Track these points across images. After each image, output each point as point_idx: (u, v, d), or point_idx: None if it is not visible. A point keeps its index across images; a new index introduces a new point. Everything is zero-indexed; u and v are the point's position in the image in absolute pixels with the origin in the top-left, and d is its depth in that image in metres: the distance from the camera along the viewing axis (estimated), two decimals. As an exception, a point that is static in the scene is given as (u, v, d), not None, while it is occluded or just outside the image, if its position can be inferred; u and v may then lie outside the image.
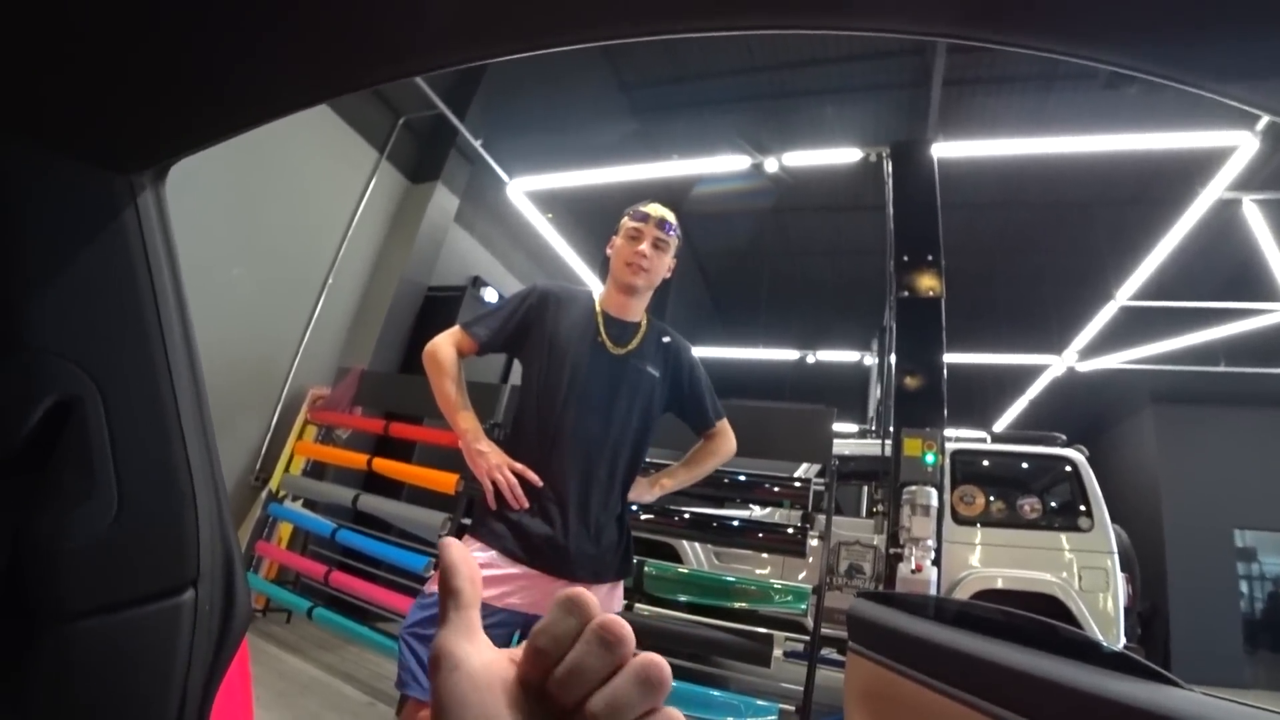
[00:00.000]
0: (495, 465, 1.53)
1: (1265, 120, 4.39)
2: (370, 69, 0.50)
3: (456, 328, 1.67)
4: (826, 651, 3.60)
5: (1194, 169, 5.06)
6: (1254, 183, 4.98)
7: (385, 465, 4.03)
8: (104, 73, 0.48)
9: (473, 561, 0.36)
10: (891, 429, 4.37)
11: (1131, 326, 7.54)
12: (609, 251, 1.73)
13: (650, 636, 3.42)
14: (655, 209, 1.70)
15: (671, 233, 1.69)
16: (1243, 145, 4.51)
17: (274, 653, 3.74)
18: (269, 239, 4.77)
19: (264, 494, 4.48)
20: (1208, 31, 0.32)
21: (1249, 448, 9.18)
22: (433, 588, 1.47)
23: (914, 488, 3.73)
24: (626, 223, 1.70)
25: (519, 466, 1.54)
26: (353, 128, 5.41)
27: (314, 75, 0.51)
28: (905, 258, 4.67)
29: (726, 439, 1.84)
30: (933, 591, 3.45)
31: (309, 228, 5.16)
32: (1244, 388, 8.50)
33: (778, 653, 3.07)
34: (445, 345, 1.64)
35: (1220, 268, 6.38)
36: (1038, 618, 1.38)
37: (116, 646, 0.50)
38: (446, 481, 3.66)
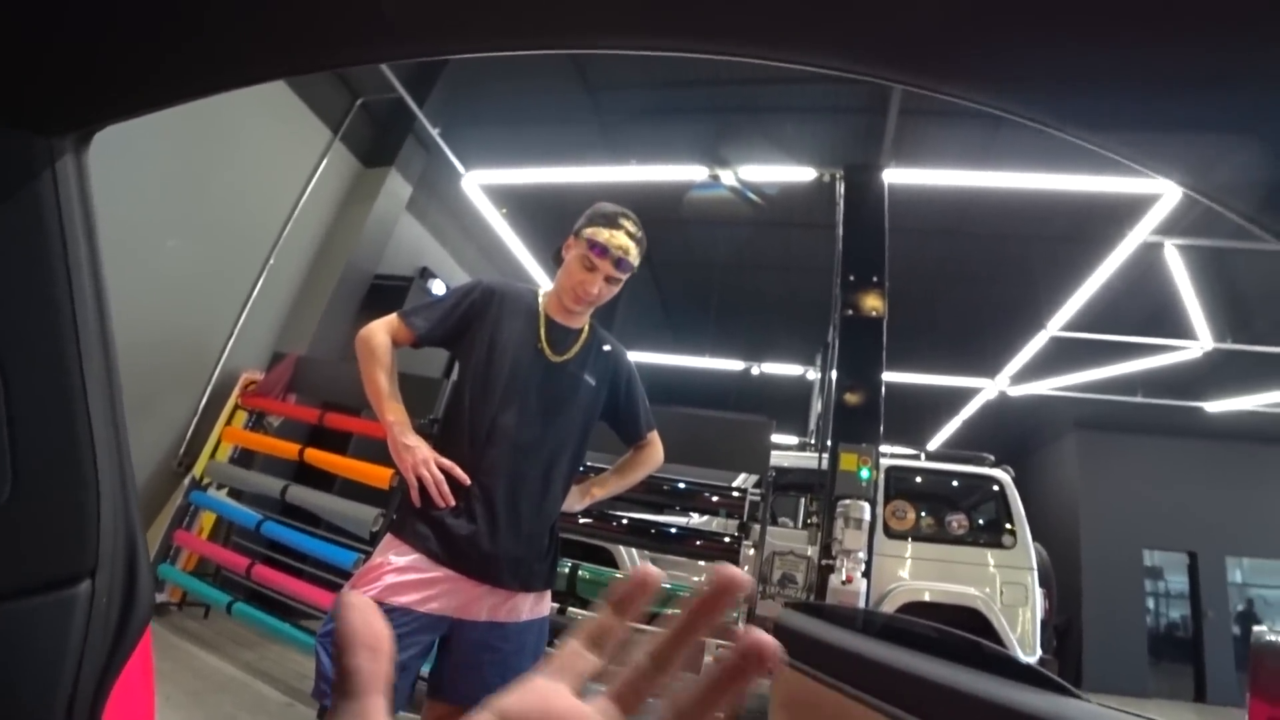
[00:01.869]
0: (421, 460, 1.46)
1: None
2: (326, 51, 0.48)
3: (394, 316, 1.61)
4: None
5: (1123, 212, 5.37)
6: (1176, 229, 5.32)
7: (318, 456, 3.89)
8: (26, 22, 0.45)
9: (379, 627, 0.28)
10: (829, 443, 4.48)
11: (1060, 356, 7.94)
12: (564, 253, 1.67)
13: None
14: (618, 242, 1.59)
15: (626, 269, 1.63)
16: (1167, 193, 4.80)
17: (189, 649, 3.57)
18: (210, 211, 4.54)
19: (186, 480, 4.26)
20: (1081, 84, 0.37)
21: (1160, 473, 9.88)
22: (356, 590, 1.41)
23: (848, 501, 3.83)
24: (585, 243, 1.60)
25: (446, 463, 1.47)
26: (307, 105, 5.22)
27: (261, 52, 0.48)
28: (851, 277, 4.80)
29: (656, 449, 1.85)
30: (861, 603, 3.53)
31: (253, 203, 4.95)
32: (1158, 418, 9.10)
33: (708, 659, 3.09)
34: (380, 332, 1.57)
35: (1142, 305, 6.77)
36: (958, 633, 1.43)
37: (1, 638, 0.47)
38: (381, 476, 3.56)
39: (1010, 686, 1.07)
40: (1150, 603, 9.98)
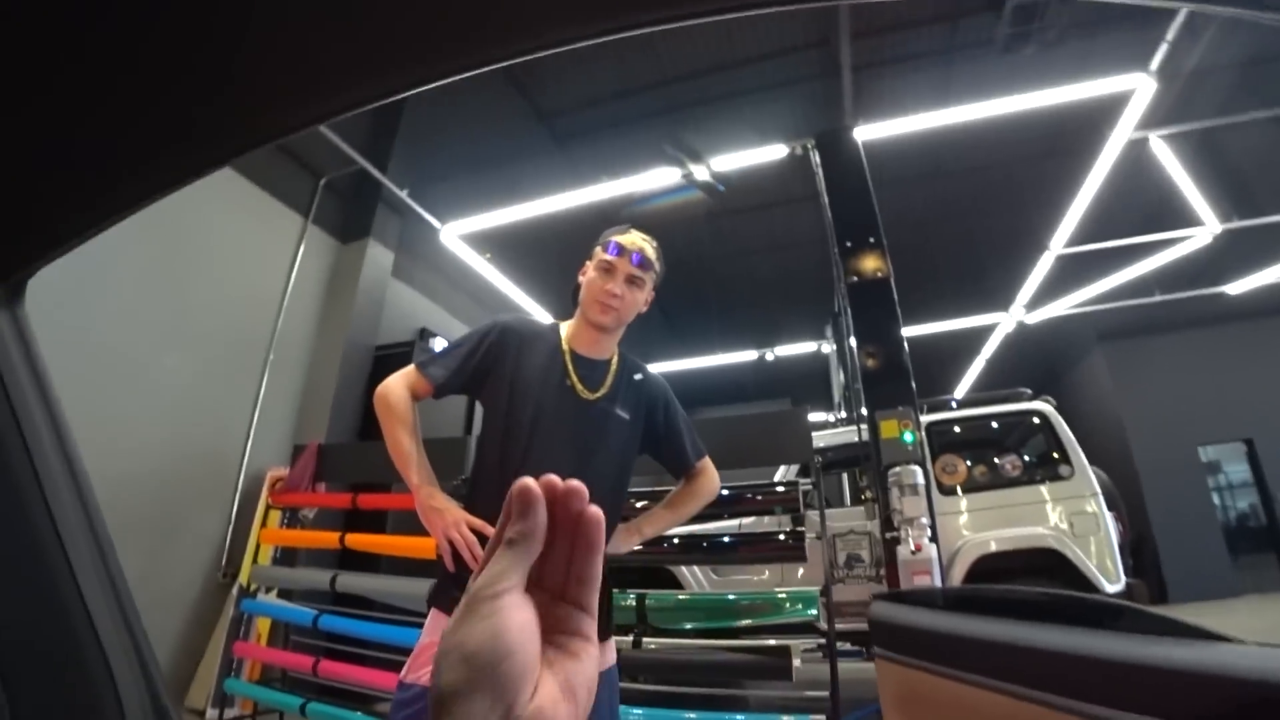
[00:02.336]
0: (452, 523, 1.37)
1: (1158, 58, 4.60)
2: (242, 135, 0.43)
3: (411, 368, 1.52)
4: (841, 645, 3.55)
5: (1099, 116, 5.28)
6: (1156, 120, 5.22)
7: (359, 540, 3.83)
8: None
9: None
10: (865, 413, 4.38)
11: (1069, 273, 7.83)
12: (580, 279, 1.60)
13: (663, 670, 3.30)
14: (631, 240, 1.57)
15: (648, 266, 1.57)
16: (1140, 86, 4.71)
17: (270, 761, 3.50)
18: (200, 322, 4.54)
19: (234, 590, 4.22)
20: None
21: (1196, 367, 9.66)
22: (411, 676, 1.31)
23: (898, 469, 3.72)
24: (600, 254, 1.56)
25: (479, 523, 1.38)
26: (272, 195, 5.23)
27: (174, 157, 0.43)
28: (848, 243, 4.72)
29: (709, 478, 1.73)
30: (936, 568, 3.43)
31: (241, 304, 4.94)
32: (1181, 313, 8.90)
33: (795, 662, 2.99)
34: (398, 388, 1.48)
35: (1141, 204, 6.66)
36: (1063, 592, 1.34)
37: None
38: (425, 547, 3.49)
39: (1144, 641, 0.98)
40: (1217, 499, 9.74)
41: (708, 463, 1.74)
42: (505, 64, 0.40)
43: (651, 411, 1.65)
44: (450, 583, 1.39)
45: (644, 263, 1.56)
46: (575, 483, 0.41)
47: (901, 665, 1.45)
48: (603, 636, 1.50)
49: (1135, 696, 0.88)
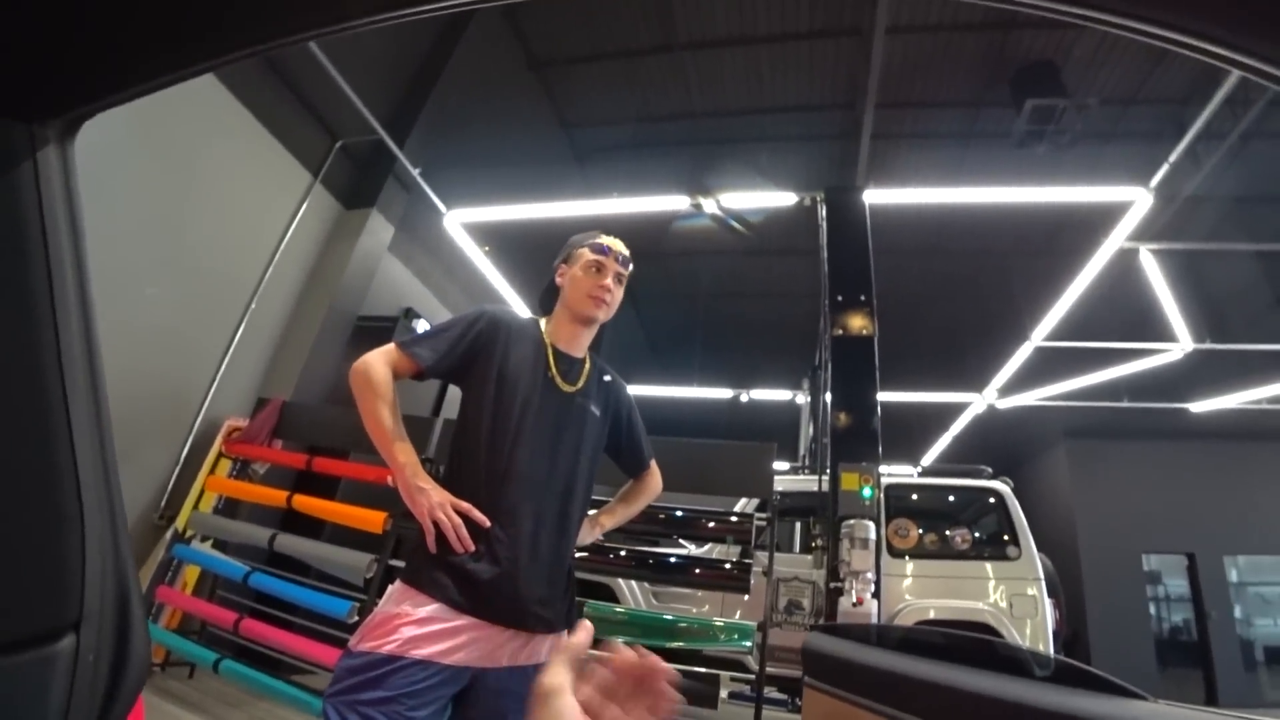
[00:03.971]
0: (438, 504, 1.37)
1: (1159, 176, 4.82)
2: (303, 17, 0.45)
3: (392, 346, 1.51)
4: (767, 691, 3.54)
5: (1097, 221, 5.49)
6: (1149, 234, 5.43)
7: (306, 503, 3.77)
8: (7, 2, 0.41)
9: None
10: (829, 464, 4.43)
11: (1045, 366, 8.04)
12: (559, 280, 1.67)
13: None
14: (615, 242, 1.66)
15: (628, 267, 1.68)
16: (1138, 200, 4.91)
17: (174, 712, 3.38)
18: (189, 258, 4.47)
19: (169, 534, 4.10)
20: None
21: (1152, 477, 9.94)
22: (366, 644, 1.29)
23: (852, 521, 3.76)
24: (586, 254, 1.64)
25: (464, 505, 1.39)
26: (287, 148, 5.22)
27: (240, 23, 0.45)
28: (839, 298, 4.82)
29: (657, 478, 1.86)
30: (874, 623, 3.45)
31: (234, 249, 4.89)
32: (1145, 422, 9.19)
33: (723, 694, 2.98)
34: (379, 365, 1.47)
35: (1123, 311, 6.88)
36: (986, 638, 1.38)
37: None
38: (374, 520, 3.46)
39: (1062, 691, 1.02)
40: (1153, 608, 9.94)
41: (655, 465, 1.86)
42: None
43: (617, 411, 1.73)
44: (429, 563, 1.38)
45: (627, 263, 1.67)
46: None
47: (830, 696, 1.47)
48: (565, 625, 1.50)
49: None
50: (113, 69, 0.46)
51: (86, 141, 0.49)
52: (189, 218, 4.44)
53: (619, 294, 1.66)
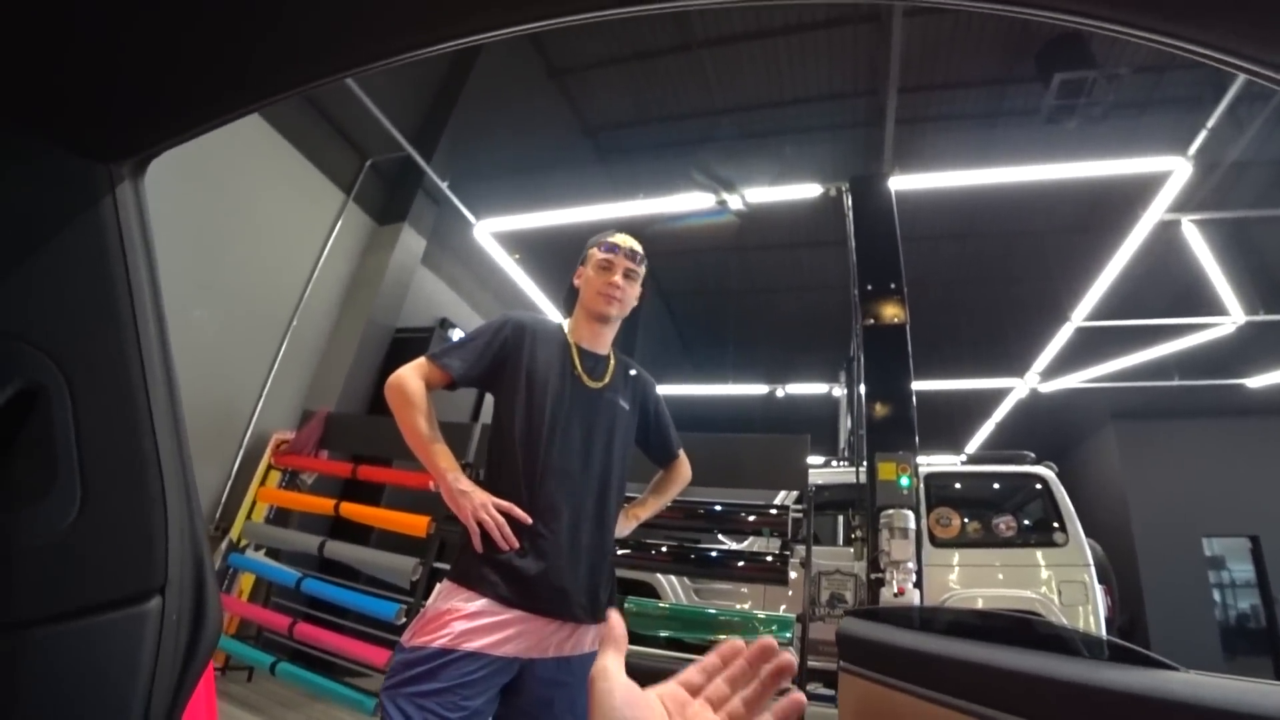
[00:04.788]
0: (480, 504, 1.44)
1: (1197, 144, 4.65)
2: (354, 53, 0.50)
3: (423, 359, 1.59)
4: (812, 686, 3.53)
5: (1134, 194, 5.32)
6: (1190, 204, 5.25)
7: (353, 510, 3.90)
8: (90, 60, 0.47)
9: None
10: (865, 455, 4.39)
11: (1088, 347, 7.80)
12: (576, 283, 1.73)
13: (634, 675, 3.32)
14: (624, 239, 1.71)
15: (641, 263, 1.71)
16: (1177, 170, 4.75)
17: (235, 714, 3.52)
18: (232, 280, 4.67)
19: (224, 544, 4.28)
20: None
21: (1208, 457, 9.44)
22: (419, 639, 1.36)
23: (891, 511, 3.73)
24: (596, 254, 1.70)
25: (505, 504, 1.46)
26: (319, 169, 5.40)
27: (297, 60, 0.50)
28: (869, 287, 4.77)
29: (686, 467, 1.91)
30: (916, 614, 3.41)
31: (273, 269, 5.08)
32: (1198, 400, 8.80)
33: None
34: (412, 378, 1.54)
35: (1167, 286, 6.66)
36: (1021, 615, 1.37)
37: (73, 657, 0.46)
38: (418, 524, 3.56)
39: (1094, 665, 1.02)
40: (1217, 595, 9.51)
41: (684, 454, 1.90)
42: (527, 29, 0.45)
43: (645, 403, 1.78)
44: (476, 562, 1.44)
45: (637, 258, 1.70)
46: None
47: (866, 680, 1.48)
48: (604, 615, 1.55)
49: (1085, 717, 0.92)
50: (178, 111, 0.52)
51: (139, 176, 0.56)
52: (230, 242, 4.63)
53: (632, 290, 1.70)
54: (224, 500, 4.58)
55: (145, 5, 0.45)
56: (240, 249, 4.73)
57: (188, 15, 0.46)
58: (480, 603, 1.39)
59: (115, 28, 0.45)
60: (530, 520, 1.46)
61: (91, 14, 0.44)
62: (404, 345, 5.79)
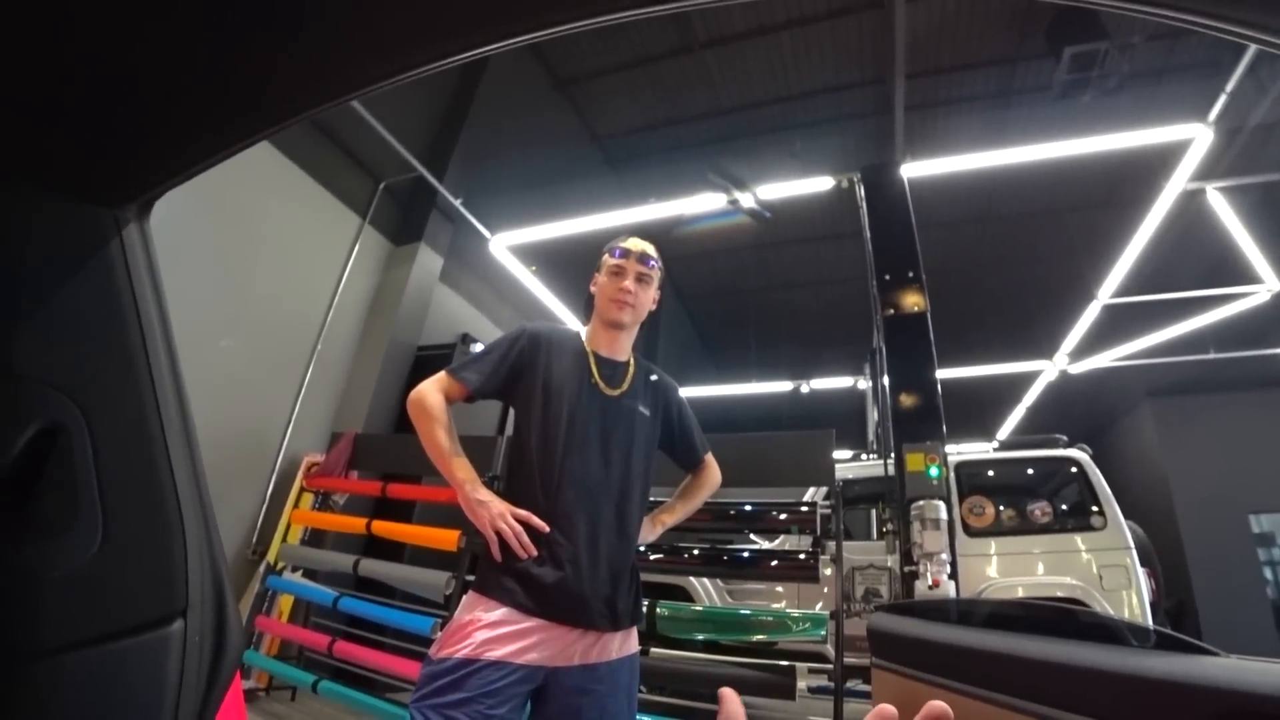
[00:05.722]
0: (498, 514, 1.45)
1: (1217, 109, 4.53)
2: (354, 76, 0.51)
3: (443, 374, 1.61)
4: (851, 684, 3.49)
5: (1156, 165, 5.20)
6: (1215, 172, 5.11)
7: (385, 527, 3.96)
8: (88, 112, 0.49)
9: None
10: (893, 447, 4.34)
11: (1118, 325, 7.62)
12: (592, 289, 1.73)
13: (668, 679, 3.32)
14: (635, 243, 1.70)
15: (653, 265, 1.70)
16: (1198, 137, 4.63)
17: (281, 734, 3.59)
18: (256, 309, 4.79)
19: (261, 567, 4.37)
20: None
21: (1252, 431, 9.09)
22: (445, 651, 1.37)
23: (921, 502, 3.68)
24: (608, 260, 1.69)
25: (523, 513, 1.47)
26: (334, 195, 5.50)
27: (290, 93, 0.51)
28: (887, 277, 4.72)
29: (714, 470, 1.86)
30: (953, 605, 3.36)
31: (296, 296, 5.19)
32: (1237, 372, 8.53)
33: (801, 685, 2.96)
34: (432, 392, 1.57)
35: (1197, 257, 6.49)
36: (1057, 604, 1.35)
37: (101, 681, 0.48)
38: (448, 539, 3.60)
39: (1133, 653, 1.00)
40: (1269, 573, 9.17)
41: (711, 457, 1.87)
42: (530, 39, 0.45)
43: (667, 408, 1.76)
44: (495, 571, 1.46)
45: (649, 261, 1.69)
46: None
47: (900, 676, 1.46)
48: (630, 622, 1.55)
49: (1123, 706, 0.90)
50: (178, 152, 0.54)
51: (157, 217, 0.58)
52: (253, 272, 4.75)
53: (646, 294, 1.69)
54: (260, 524, 4.67)
55: (136, 55, 0.47)
56: (262, 278, 4.84)
57: (179, 59, 0.48)
58: (500, 611, 1.40)
59: (110, 78, 0.47)
60: (548, 529, 1.47)
61: (86, 66, 0.45)
62: (427, 363, 5.86)
